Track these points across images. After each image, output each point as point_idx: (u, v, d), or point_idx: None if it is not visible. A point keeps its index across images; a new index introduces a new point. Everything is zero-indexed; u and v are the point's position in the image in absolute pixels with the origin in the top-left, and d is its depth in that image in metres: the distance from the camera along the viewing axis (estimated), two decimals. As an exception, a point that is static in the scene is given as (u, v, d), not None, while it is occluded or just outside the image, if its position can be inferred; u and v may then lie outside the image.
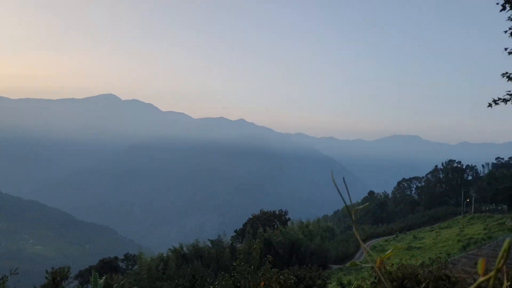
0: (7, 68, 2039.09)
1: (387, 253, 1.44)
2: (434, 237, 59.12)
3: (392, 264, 12.44)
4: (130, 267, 52.99)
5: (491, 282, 1.09)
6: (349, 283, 20.99)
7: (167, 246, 39.32)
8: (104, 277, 12.76)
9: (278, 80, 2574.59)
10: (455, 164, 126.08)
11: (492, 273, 1.09)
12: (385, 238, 77.32)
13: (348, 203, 1.48)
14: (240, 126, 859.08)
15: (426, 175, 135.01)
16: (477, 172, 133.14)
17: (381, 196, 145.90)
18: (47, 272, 14.78)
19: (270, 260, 15.14)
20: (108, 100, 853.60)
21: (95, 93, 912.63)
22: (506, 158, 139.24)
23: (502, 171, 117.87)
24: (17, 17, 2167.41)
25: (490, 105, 8.47)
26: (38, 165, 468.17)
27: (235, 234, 56.79)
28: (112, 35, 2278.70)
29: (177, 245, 37.56)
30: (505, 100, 8.34)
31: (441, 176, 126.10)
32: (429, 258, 34.58)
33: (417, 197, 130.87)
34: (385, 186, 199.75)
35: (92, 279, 11.53)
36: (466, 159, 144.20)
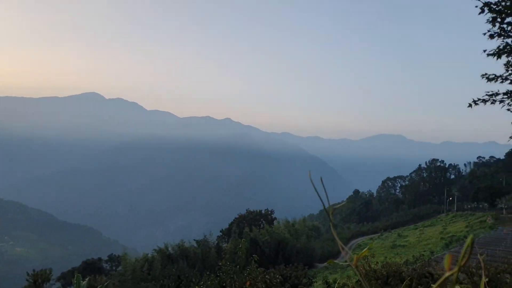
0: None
1: (363, 251, 1.43)
2: (418, 235, 60.05)
3: (377, 262, 12.56)
4: (114, 268, 52.29)
5: (454, 277, 1.14)
6: (335, 282, 21.14)
7: (152, 247, 38.94)
8: (87, 279, 12.51)
9: (264, 79, 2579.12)
10: (438, 163, 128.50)
11: (455, 270, 1.13)
12: (370, 236, 78.18)
13: (325, 202, 1.45)
14: (226, 125, 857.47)
15: (410, 174, 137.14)
16: (459, 171, 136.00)
17: (366, 195, 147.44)
18: (28, 274, 14.43)
19: (256, 259, 15.11)
20: (92, 99, 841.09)
21: (78, 92, 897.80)
22: (487, 157, 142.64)
23: (483, 170, 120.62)
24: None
25: (470, 105, 8.60)
26: (19, 165, 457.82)
27: (221, 234, 56.62)
28: (96, 32, 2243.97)
29: (162, 246, 37.22)
30: (484, 101, 8.48)
31: (424, 175, 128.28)
32: (413, 256, 35.13)
33: (401, 195, 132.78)
34: (370, 185, 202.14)
35: (75, 281, 11.28)
36: (448, 158, 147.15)
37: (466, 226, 59.11)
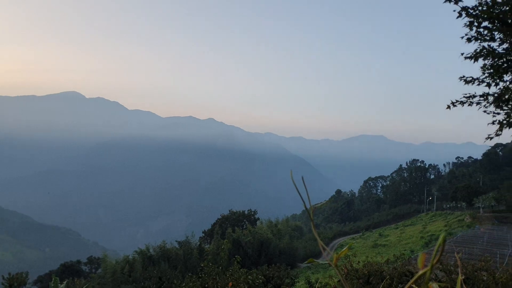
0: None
1: (342, 250, 1.44)
2: (399, 235, 61.03)
3: (359, 262, 12.70)
4: (93, 270, 51.28)
5: (427, 275, 1.16)
6: (317, 281, 21.26)
7: (133, 248, 38.34)
8: (65, 282, 12.23)
9: (248, 80, 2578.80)
10: (419, 164, 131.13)
11: (428, 268, 1.16)
12: (352, 236, 78.99)
13: (307, 202, 1.44)
14: (209, 125, 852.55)
15: (391, 174, 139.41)
16: (439, 171, 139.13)
17: (348, 194, 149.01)
18: (3, 277, 13.98)
19: (239, 260, 15.06)
20: (72, 98, 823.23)
21: (58, 90, 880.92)
22: (465, 158, 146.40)
23: (462, 170, 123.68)
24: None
25: (448, 107, 8.77)
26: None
27: (203, 235, 56.30)
28: (76, 30, 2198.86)
29: (143, 247, 36.72)
30: (462, 103, 8.66)
31: (405, 175, 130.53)
32: (394, 255, 35.64)
33: (382, 195, 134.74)
34: (352, 184, 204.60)
35: (52, 284, 11.00)
36: (428, 159, 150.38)
37: (445, 225, 60.40)
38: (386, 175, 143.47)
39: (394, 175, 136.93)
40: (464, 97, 8.58)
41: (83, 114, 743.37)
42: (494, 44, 7.99)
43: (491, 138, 8.61)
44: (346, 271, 11.28)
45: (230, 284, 12.22)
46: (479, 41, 8.01)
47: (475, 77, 8.59)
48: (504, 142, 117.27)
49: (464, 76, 8.68)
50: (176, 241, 40.40)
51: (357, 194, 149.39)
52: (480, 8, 7.49)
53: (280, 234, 50.83)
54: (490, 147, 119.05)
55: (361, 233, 77.55)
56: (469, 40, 8.09)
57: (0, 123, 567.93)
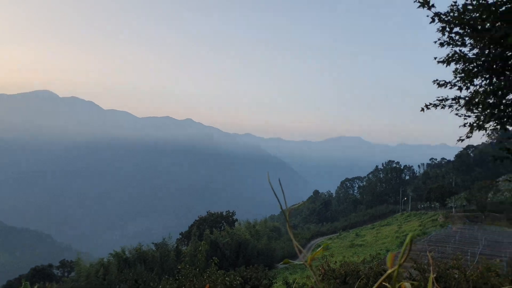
0: None
1: (317, 250, 1.44)
2: (375, 234, 62.15)
3: (336, 262, 12.83)
4: (66, 274, 49.89)
5: (395, 274, 1.18)
6: (294, 282, 21.38)
7: (109, 251, 37.50)
8: (36, 286, 11.84)
9: (226, 79, 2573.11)
10: (394, 165, 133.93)
11: (395, 267, 1.18)
12: (329, 236, 79.87)
13: (283, 203, 1.44)
14: (187, 126, 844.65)
15: (368, 175, 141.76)
16: (413, 172, 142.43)
17: (325, 195, 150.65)
18: (-32, 284, 13.46)
19: (216, 261, 14.99)
20: (44, 97, 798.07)
21: (29, 89, 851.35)
22: (438, 159, 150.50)
23: (435, 171, 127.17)
24: None
25: (422, 109, 8.98)
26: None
27: (180, 236, 55.75)
28: (48, 27, 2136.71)
29: (119, 250, 36.00)
30: (435, 105, 8.88)
31: (381, 176, 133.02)
32: (370, 254, 36.27)
33: (359, 196, 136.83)
34: (330, 185, 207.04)
35: (22, 290, 10.62)
36: (404, 160, 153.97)
37: (419, 225, 61.94)
38: (362, 176, 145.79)
39: (370, 176, 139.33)
40: (437, 100, 8.81)
41: (57, 113, 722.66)
42: (465, 49, 8.24)
43: (462, 140, 8.89)
44: (323, 271, 11.40)
45: (207, 286, 12.14)
46: (451, 46, 8.25)
47: (447, 80, 8.84)
48: (475, 144, 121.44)
49: (437, 80, 8.92)
50: (153, 243, 39.82)
51: (334, 195, 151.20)
52: (452, 14, 7.71)
53: (259, 235, 50.88)
54: (462, 149, 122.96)
55: (338, 233, 78.51)
56: (442, 44, 8.32)
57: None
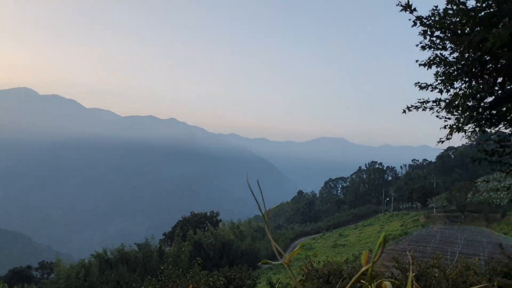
0: None
1: (295, 250, 1.44)
2: (358, 235, 62.84)
3: (319, 262, 12.92)
4: (46, 276, 48.79)
5: (369, 271, 1.19)
6: (278, 282, 21.43)
7: (90, 252, 36.87)
8: (13, 289, 11.55)
9: (211, 79, 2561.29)
10: (377, 166, 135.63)
11: (369, 265, 1.19)
12: (313, 236, 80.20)
13: (261, 204, 1.44)
14: (171, 125, 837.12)
15: (351, 175, 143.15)
16: (396, 173, 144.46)
17: (309, 195, 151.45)
18: None
19: (200, 262, 14.89)
20: (24, 95, 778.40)
21: (8, 87, 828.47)
22: (420, 160, 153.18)
23: (417, 172, 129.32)
24: None
25: (404, 111, 9.11)
26: None
27: (164, 237, 55.23)
28: (30, 24, 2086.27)
29: (100, 250, 35.42)
30: (416, 107, 9.01)
31: (364, 177, 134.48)
32: (353, 254, 36.68)
33: (342, 196, 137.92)
34: (314, 186, 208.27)
35: (-1, 292, 10.35)
36: (386, 161, 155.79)
37: (401, 225, 62.91)
38: (346, 176, 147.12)
39: (353, 176, 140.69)
40: (418, 102, 8.96)
41: (37, 111, 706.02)
42: (446, 53, 8.41)
43: (442, 141, 9.07)
44: (307, 271, 11.47)
45: (191, 286, 12.06)
46: (432, 49, 8.40)
47: (429, 83, 9.01)
48: (455, 146, 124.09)
49: (419, 82, 9.08)
50: (135, 244, 39.33)
51: (318, 195, 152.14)
52: (433, 18, 7.86)
53: (243, 235, 50.84)
54: (443, 150, 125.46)
55: (321, 233, 78.97)
56: (423, 48, 8.47)
57: None
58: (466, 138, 9.41)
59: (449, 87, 8.75)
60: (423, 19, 7.95)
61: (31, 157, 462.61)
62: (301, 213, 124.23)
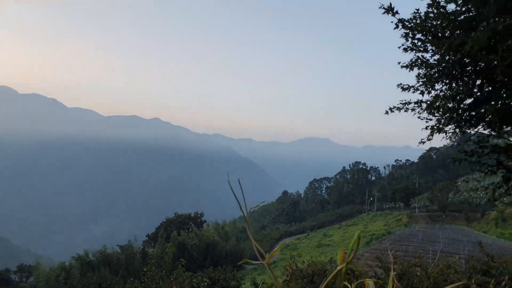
0: None
1: (274, 250, 1.44)
2: (342, 234, 63.30)
3: (304, 262, 12.96)
4: (24, 279, 47.60)
5: (343, 271, 1.20)
6: (263, 282, 21.42)
7: (71, 255, 36.16)
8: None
9: (195, 79, 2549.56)
10: (361, 166, 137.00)
11: (343, 264, 1.20)
12: (297, 236, 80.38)
13: (242, 204, 1.45)
14: (155, 125, 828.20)
15: (335, 175, 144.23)
16: (379, 173, 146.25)
17: (294, 196, 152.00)
18: None
19: (183, 263, 14.76)
20: (2, 93, 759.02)
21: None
22: (403, 160, 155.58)
23: (400, 172, 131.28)
24: None
25: (387, 112, 9.21)
26: None
27: (147, 238, 54.61)
28: (8, 20, 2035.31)
29: (82, 253, 34.77)
30: (399, 109, 9.13)
31: (348, 177, 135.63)
32: (337, 254, 36.93)
33: (327, 196, 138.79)
34: (298, 186, 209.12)
35: (-26, 297, 10.03)
36: (370, 161, 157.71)
37: (385, 225, 63.66)
38: (330, 176, 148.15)
39: (337, 176, 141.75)
40: (400, 103, 9.09)
41: (16, 111, 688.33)
42: (427, 55, 8.55)
43: (424, 142, 9.23)
44: (291, 271, 11.49)
45: (174, 287, 11.93)
46: (414, 51, 8.54)
47: (411, 85, 9.15)
48: (437, 146, 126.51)
49: (401, 84, 9.21)
50: (118, 245, 38.76)
51: (303, 195, 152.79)
52: (414, 21, 7.98)
53: (227, 236, 50.69)
54: (425, 151, 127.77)
55: (306, 234, 79.20)
56: (405, 50, 8.60)
57: None
58: (447, 139, 9.59)
59: (430, 89, 8.90)
60: (405, 22, 8.07)
61: (9, 157, 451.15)
62: (286, 213, 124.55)
